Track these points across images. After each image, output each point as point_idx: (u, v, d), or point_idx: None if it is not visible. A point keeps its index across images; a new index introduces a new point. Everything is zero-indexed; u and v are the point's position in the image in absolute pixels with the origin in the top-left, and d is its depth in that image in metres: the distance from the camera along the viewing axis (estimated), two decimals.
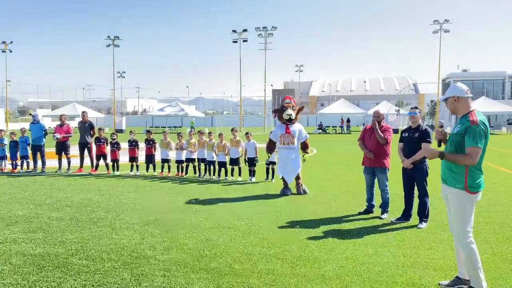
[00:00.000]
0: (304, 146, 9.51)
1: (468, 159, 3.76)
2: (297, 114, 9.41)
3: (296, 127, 9.28)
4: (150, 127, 46.74)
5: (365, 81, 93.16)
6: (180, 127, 50.89)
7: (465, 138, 3.82)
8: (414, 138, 6.43)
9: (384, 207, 7.05)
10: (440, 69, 52.54)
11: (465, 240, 3.85)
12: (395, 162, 7.44)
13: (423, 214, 6.41)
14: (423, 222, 6.36)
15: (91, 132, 12.81)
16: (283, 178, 9.14)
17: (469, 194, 3.84)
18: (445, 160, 4.02)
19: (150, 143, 12.13)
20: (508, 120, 43.89)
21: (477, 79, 52.27)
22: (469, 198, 3.85)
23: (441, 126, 4.32)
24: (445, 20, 50.54)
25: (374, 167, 7.16)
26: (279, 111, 9.46)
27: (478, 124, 3.78)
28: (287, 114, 9.20)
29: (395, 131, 36.03)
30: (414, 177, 6.50)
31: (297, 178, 9.10)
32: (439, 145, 4.20)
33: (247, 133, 11.55)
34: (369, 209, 7.24)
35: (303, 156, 9.45)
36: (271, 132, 11.09)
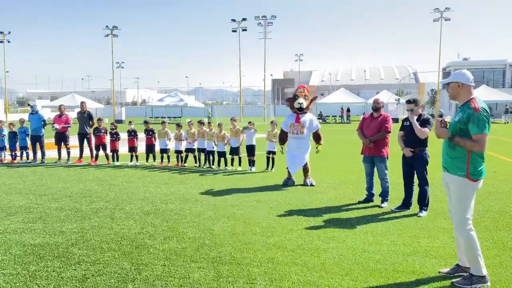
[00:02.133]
0: (317, 137, 9.17)
1: (476, 145, 3.75)
2: (309, 104, 9.17)
3: (307, 116, 9.04)
4: (150, 117, 46.64)
5: (365, 70, 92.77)
6: (180, 117, 50.83)
7: (468, 126, 3.79)
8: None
9: (384, 195, 7.05)
10: (440, 58, 52.29)
11: (465, 227, 3.84)
12: (394, 151, 7.42)
13: (423, 203, 6.40)
14: (423, 211, 6.36)
15: (90, 123, 12.78)
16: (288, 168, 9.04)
17: (471, 181, 3.82)
18: (447, 148, 4.01)
19: (150, 133, 12.10)
20: (507, 106, 43.11)
21: (478, 68, 52.05)
22: (471, 185, 3.84)
23: (441, 115, 4.25)
24: (446, 8, 50.11)
25: (373, 156, 7.14)
26: (291, 100, 9.19)
27: (480, 111, 3.76)
28: (298, 103, 8.94)
29: (395, 120, 36.08)
30: (414, 166, 6.49)
31: (306, 170, 8.90)
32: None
33: (250, 122, 11.50)
34: (369, 198, 7.24)
35: (316, 147, 9.18)
36: (272, 121, 11.06)
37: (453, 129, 3.94)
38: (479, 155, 3.84)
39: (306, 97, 9.14)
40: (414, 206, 6.59)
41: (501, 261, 4.44)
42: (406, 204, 6.65)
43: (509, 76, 53.59)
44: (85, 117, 12.76)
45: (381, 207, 6.88)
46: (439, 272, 4.18)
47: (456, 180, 3.89)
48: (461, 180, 3.85)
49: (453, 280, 3.96)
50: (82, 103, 13.32)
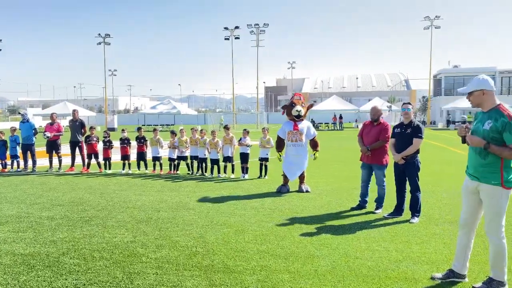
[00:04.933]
0: (314, 144, 9.20)
1: None
2: (306, 111, 9.21)
3: (304, 124, 9.06)
4: (142, 125, 46.48)
5: (357, 78, 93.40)
6: (173, 125, 50.70)
7: (503, 135, 3.71)
8: (406, 134, 6.45)
9: (379, 201, 7.07)
10: (431, 65, 52.90)
11: (499, 235, 3.84)
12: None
13: (415, 209, 6.44)
14: (415, 217, 6.39)
15: (82, 131, 12.70)
16: (284, 175, 9.00)
17: (505, 189, 3.80)
18: (476, 157, 3.92)
19: (141, 141, 12.06)
20: None
21: (468, 75, 52.62)
22: (505, 193, 3.81)
23: (464, 122, 4.20)
24: (436, 17, 50.86)
25: (372, 164, 7.18)
26: (288, 107, 9.18)
27: None
28: (296, 110, 8.94)
29: None
30: (406, 172, 6.53)
31: (302, 177, 8.92)
32: (463, 142, 4.04)
33: (245, 130, 11.51)
34: (361, 205, 7.26)
35: (313, 154, 9.22)
36: (263, 128, 11.07)
37: (483, 138, 3.83)
38: (510, 162, 3.79)
39: (303, 105, 9.18)
40: (406, 213, 6.62)
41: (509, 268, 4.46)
42: (398, 210, 6.68)
43: (498, 82, 54.24)
44: (77, 125, 12.69)
45: (375, 213, 6.90)
46: (431, 277, 4.19)
47: (490, 189, 3.84)
48: (495, 188, 3.81)
49: (474, 284, 3.99)
50: (74, 111, 13.25)
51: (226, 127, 11.54)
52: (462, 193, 4.18)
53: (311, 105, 9.59)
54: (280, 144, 9.38)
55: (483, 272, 4.29)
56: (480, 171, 3.90)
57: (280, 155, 9.46)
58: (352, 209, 7.21)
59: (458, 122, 39.30)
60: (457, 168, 11.83)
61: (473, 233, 4.10)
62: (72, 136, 12.64)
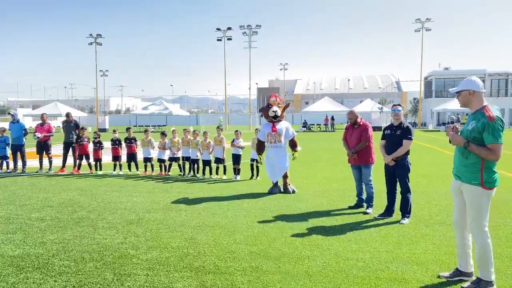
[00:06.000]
0: (293, 144, 9.29)
1: (491, 154, 3.77)
2: (282, 112, 9.25)
3: (283, 125, 9.13)
4: (134, 125, 46.28)
5: (349, 80, 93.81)
6: (165, 125, 50.52)
7: (483, 135, 3.80)
8: (396, 135, 6.51)
9: (369, 201, 7.15)
10: (422, 67, 53.31)
11: (481, 234, 3.90)
12: (377, 159, 7.52)
13: (406, 210, 6.49)
14: (406, 218, 6.44)
15: (77, 131, 12.60)
16: None
17: (485, 190, 3.86)
18: (460, 157, 4.01)
19: (131, 141, 12.01)
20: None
21: (459, 77, 53.14)
22: (486, 194, 3.88)
23: (453, 122, 4.28)
24: (427, 19, 51.33)
25: (359, 165, 7.29)
26: (264, 109, 9.28)
27: (495, 120, 3.78)
28: (273, 111, 9.04)
29: (379, 128, 36.51)
30: (396, 174, 6.58)
31: (285, 177, 8.96)
32: (451, 142, 4.11)
33: (237, 131, 11.50)
34: (359, 203, 7.37)
35: (292, 154, 9.28)
36: (256, 129, 11.08)
37: (466, 138, 3.94)
38: (492, 164, 3.87)
39: (279, 105, 9.24)
40: (397, 214, 6.67)
41: (498, 268, 4.51)
42: (389, 211, 6.73)
43: (488, 85, 54.87)
44: (71, 126, 12.58)
45: (367, 212, 6.96)
46: (438, 276, 4.25)
47: (471, 189, 3.91)
48: (475, 188, 3.88)
49: (462, 284, 4.04)
50: (68, 113, 13.15)
51: (218, 128, 11.53)
52: (452, 193, 4.27)
53: (288, 105, 9.66)
54: (260, 147, 9.43)
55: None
56: (462, 170, 4.00)
57: (261, 158, 9.57)
58: (350, 207, 7.32)
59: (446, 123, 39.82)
60: (447, 169, 11.94)
61: (468, 232, 4.14)
62: (66, 137, 12.54)
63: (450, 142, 4.11)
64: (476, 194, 3.90)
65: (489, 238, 3.91)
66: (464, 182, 3.98)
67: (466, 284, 4.02)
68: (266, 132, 9.07)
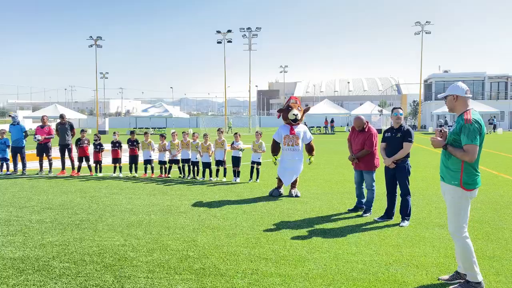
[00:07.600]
0: (310, 149, 9.14)
1: (466, 155, 3.86)
2: (302, 115, 9.15)
3: (301, 128, 8.99)
4: (134, 128, 46.28)
5: (348, 82, 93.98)
6: (164, 128, 50.52)
7: (461, 137, 3.92)
8: (396, 138, 6.52)
9: (368, 205, 7.14)
10: (422, 70, 53.40)
11: (460, 235, 3.95)
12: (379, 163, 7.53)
13: (405, 213, 6.50)
14: (405, 221, 6.45)
15: (72, 133, 12.60)
16: (278, 179, 8.92)
17: (464, 190, 3.93)
18: (443, 158, 4.12)
19: (134, 144, 12.02)
20: (488, 120, 44.84)
21: (458, 80, 53.22)
22: (464, 194, 3.94)
23: (441, 126, 4.41)
24: (427, 22, 51.41)
25: (362, 170, 7.28)
26: (284, 111, 9.07)
27: (472, 122, 3.88)
28: (293, 114, 8.85)
29: (378, 131, 36.55)
30: (397, 176, 6.59)
31: (295, 182, 8.85)
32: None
33: (236, 133, 11.51)
34: (358, 206, 7.36)
35: (309, 159, 9.18)
36: (256, 132, 11.09)
37: (447, 140, 4.07)
38: (473, 166, 3.96)
39: (299, 108, 9.11)
40: (397, 216, 6.68)
41: (481, 269, 4.52)
42: (388, 214, 6.73)
43: (488, 88, 54.94)
44: (66, 128, 12.58)
45: (364, 216, 6.96)
46: (438, 279, 4.25)
47: (451, 189, 4.00)
48: (455, 189, 3.97)
49: (450, 287, 4.05)
50: (61, 115, 13.15)
51: (219, 130, 11.51)
52: (442, 196, 4.34)
53: (308, 109, 9.52)
54: (275, 148, 9.22)
55: (484, 270, 4.35)
56: (444, 171, 4.11)
57: (276, 159, 9.37)
58: (349, 210, 7.31)
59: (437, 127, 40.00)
60: None
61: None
62: (60, 139, 12.53)
63: (431, 144, 4.22)
64: (455, 194, 3.97)
65: (468, 239, 3.96)
66: (446, 182, 4.08)
67: (455, 286, 4.04)
68: (284, 134, 8.90)
